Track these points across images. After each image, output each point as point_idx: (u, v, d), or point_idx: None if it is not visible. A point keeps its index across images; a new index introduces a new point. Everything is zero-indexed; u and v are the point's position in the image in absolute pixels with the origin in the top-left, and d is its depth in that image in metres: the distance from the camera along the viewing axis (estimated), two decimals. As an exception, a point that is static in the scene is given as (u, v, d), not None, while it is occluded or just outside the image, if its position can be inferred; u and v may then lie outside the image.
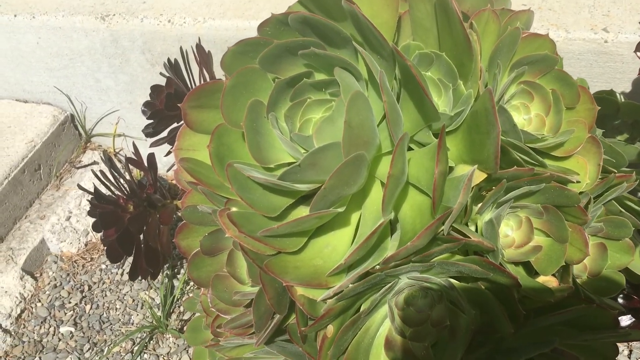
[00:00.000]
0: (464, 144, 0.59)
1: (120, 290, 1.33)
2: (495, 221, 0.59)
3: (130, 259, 1.10)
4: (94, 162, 1.54)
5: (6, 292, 1.28)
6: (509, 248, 0.64)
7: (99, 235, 1.40)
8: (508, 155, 0.58)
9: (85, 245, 1.41)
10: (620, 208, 0.74)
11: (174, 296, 1.29)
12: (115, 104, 1.50)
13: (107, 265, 1.38)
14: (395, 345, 0.61)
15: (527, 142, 0.62)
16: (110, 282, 1.35)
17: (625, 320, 1.00)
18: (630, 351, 1.14)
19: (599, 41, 1.12)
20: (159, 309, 1.27)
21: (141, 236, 1.12)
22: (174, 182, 1.40)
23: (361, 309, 0.59)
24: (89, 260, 1.39)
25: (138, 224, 1.10)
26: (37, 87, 1.55)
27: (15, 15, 1.41)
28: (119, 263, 1.38)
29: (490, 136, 0.54)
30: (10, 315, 1.26)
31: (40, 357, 1.21)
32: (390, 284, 0.58)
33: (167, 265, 1.34)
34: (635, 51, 0.88)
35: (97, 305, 1.31)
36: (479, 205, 0.59)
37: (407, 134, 0.53)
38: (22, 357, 1.21)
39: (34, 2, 1.43)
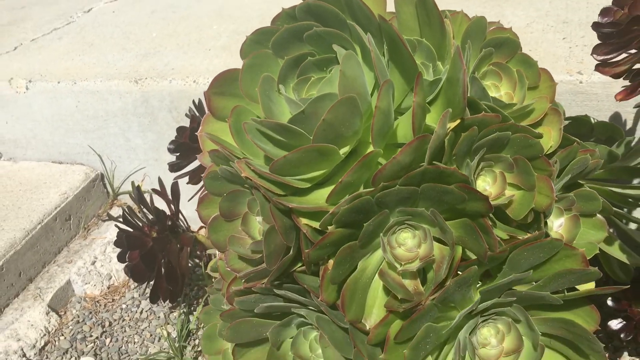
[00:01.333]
0: (442, 105, 0.71)
1: (139, 326, 1.40)
2: (470, 164, 0.69)
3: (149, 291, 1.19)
4: (120, 217, 1.66)
5: (32, 325, 1.35)
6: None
7: (121, 280, 1.50)
8: (477, 107, 0.70)
9: (108, 287, 1.50)
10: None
11: (189, 330, 1.35)
12: (142, 161, 1.65)
13: (127, 305, 1.45)
14: (388, 277, 0.69)
15: (498, 107, 0.74)
16: (130, 320, 1.42)
17: (615, 324, 1.06)
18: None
19: (574, 82, 1.25)
20: (175, 342, 1.33)
21: (162, 262, 1.21)
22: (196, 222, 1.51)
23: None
24: (111, 300, 1.47)
25: (160, 246, 1.20)
26: (72, 149, 1.71)
27: (58, 82, 1.60)
28: (140, 291, 1.46)
29: (459, 82, 0.66)
30: (34, 347, 1.33)
31: (60, 384, 1.27)
32: (381, 217, 0.68)
33: (183, 297, 1.41)
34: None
35: (117, 339, 1.37)
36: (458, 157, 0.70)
37: (391, 80, 0.65)
38: (44, 383, 1.27)
39: (75, 71, 1.63)
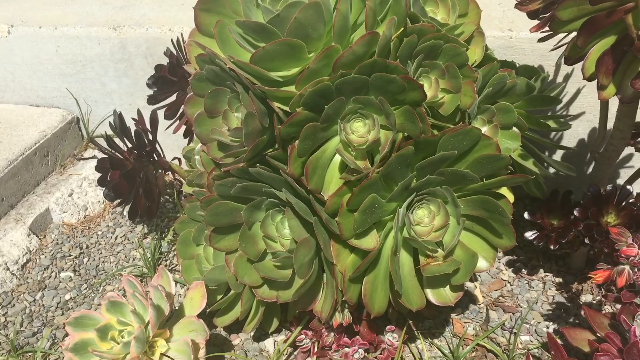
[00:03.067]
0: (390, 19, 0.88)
1: (114, 249, 1.53)
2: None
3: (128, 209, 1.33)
4: (94, 157, 1.78)
5: (15, 244, 1.47)
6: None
7: (96, 211, 1.62)
8: (417, 20, 0.87)
9: (84, 217, 1.62)
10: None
11: (161, 252, 1.49)
12: (117, 106, 1.77)
13: (102, 232, 1.58)
14: (344, 155, 0.86)
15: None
16: (106, 244, 1.55)
17: (530, 234, 1.25)
18: (544, 283, 1.37)
19: (505, 38, 1.44)
20: (149, 260, 1.46)
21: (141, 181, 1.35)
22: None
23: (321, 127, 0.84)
24: (87, 228, 1.59)
25: (139, 167, 1.34)
26: (50, 93, 1.82)
27: (39, 27, 1.71)
28: (115, 221, 1.59)
29: (402, 0, 0.82)
30: (17, 262, 1.45)
31: (43, 294, 1.39)
32: (338, 103, 0.84)
33: (155, 227, 1.55)
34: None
35: (94, 259, 1.50)
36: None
37: (349, -9, 0.82)
38: (27, 292, 1.39)
39: (57, 19, 1.74)
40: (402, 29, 0.85)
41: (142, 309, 1.09)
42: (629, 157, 1.45)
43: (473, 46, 0.94)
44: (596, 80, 0.83)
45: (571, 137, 1.45)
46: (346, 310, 1.03)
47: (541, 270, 1.40)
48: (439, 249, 0.94)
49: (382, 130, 0.87)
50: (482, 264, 0.98)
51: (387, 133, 0.87)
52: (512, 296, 1.34)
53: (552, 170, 1.30)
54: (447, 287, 0.98)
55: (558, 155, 1.49)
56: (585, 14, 0.81)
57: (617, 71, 0.83)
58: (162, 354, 1.10)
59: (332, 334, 1.10)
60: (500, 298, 1.34)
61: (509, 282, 1.38)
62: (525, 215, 1.26)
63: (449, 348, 1.21)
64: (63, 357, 1.14)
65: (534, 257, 1.42)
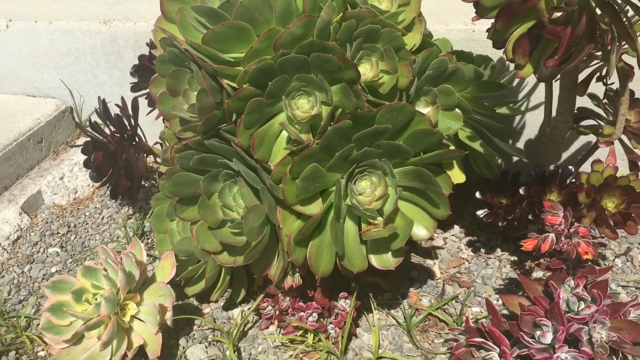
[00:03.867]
0: (330, 6, 0.97)
1: (100, 229, 1.63)
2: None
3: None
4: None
5: (7, 222, 1.58)
6: (365, 81, 1.01)
7: (85, 194, 1.72)
8: (357, 6, 0.96)
9: (74, 199, 1.73)
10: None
11: (144, 231, 1.59)
12: (108, 96, 1.87)
13: (90, 213, 1.68)
14: (288, 128, 0.95)
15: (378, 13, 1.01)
16: (92, 224, 1.65)
17: (481, 212, 1.34)
18: (500, 261, 1.45)
19: (469, 31, 1.53)
20: (130, 238, 1.56)
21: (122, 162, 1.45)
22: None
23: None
24: (76, 209, 1.70)
25: (120, 149, 1.44)
26: (45, 84, 1.93)
27: (35, 22, 1.82)
28: (102, 203, 1.69)
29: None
30: (8, 238, 1.55)
31: (31, 267, 1.49)
32: (282, 80, 0.93)
33: (138, 209, 1.65)
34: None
35: (80, 237, 1.60)
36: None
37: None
38: (16, 265, 1.49)
39: (52, 14, 1.85)
40: (342, 14, 0.94)
41: (114, 274, 1.18)
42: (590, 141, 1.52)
43: (413, 33, 1.03)
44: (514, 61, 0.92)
45: (532, 124, 1.53)
46: (297, 274, 1.12)
47: (498, 250, 1.48)
48: (379, 217, 1.03)
49: (324, 106, 0.96)
50: (422, 232, 1.07)
51: (327, 109, 0.96)
52: (469, 273, 1.42)
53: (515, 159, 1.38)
54: (389, 253, 1.06)
55: (522, 141, 1.57)
56: (504, 0, 0.90)
57: (534, 53, 0.92)
58: (133, 316, 1.20)
59: (288, 298, 1.19)
60: (457, 274, 1.42)
61: (467, 260, 1.46)
62: (477, 194, 1.34)
63: (404, 318, 1.29)
64: (43, 320, 1.23)
65: (493, 238, 1.50)
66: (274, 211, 0.99)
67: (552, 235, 1.05)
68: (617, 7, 0.86)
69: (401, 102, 0.95)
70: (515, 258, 1.44)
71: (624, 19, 0.86)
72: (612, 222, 1.18)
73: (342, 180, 0.98)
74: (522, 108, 1.49)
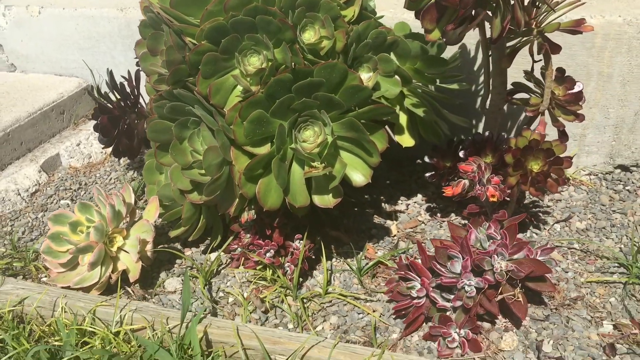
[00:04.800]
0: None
1: (107, 187, 1.86)
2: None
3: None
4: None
5: (27, 177, 1.82)
6: (309, 44, 1.20)
7: (98, 159, 1.96)
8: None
9: (88, 163, 1.96)
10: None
11: (144, 188, 1.80)
12: (123, 74, 2.11)
13: (100, 174, 1.91)
14: (240, 79, 1.15)
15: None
16: (101, 183, 1.88)
17: (427, 174, 1.51)
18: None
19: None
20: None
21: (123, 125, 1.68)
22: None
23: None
24: (89, 171, 1.93)
25: (122, 113, 1.66)
26: (70, 64, 2.18)
27: (63, 8, 2.08)
28: (112, 167, 1.92)
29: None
30: (27, 191, 1.79)
31: (44, 214, 1.73)
32: (233, 38, 1.13)
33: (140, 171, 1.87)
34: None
35: (89, 192, 1.83)
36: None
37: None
38: (31, 212, 1.73)
39: (77, 1, 2.11)
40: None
41: (103, 209, 1.40)
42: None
43: (353, 6, 1.22)
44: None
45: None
46: (252, 210, 1.31)
47: (453, 215, 1.64)
48: (318, 161, 1.21)
49: (270, 62, 1.16)
50: (359, 177, 1.25)
51: (271, 63, 1.15)
52: (423, 232, 1.59)
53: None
54: (330, 194, 1.24)
55: (471, 112, 1.71)
56: (417, -24, 1.08)
57: (442, 20, 1.09)
58: (119, 247, 1.41)
59: (249, 235, 1.38)
60: (412, 233, 1.59)
61: (423, 223, 1.63)
62: (425, 158, 1.51)
63: (358, 265, 1.47)
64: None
65: (450, 205, 1.67)
66: (228, 150, 1.18)
67: (464, 181, 1.21)
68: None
69: (334, 61, 1.14)
70: (466, 222, 1.60)
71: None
72: (535, 181, 1.34)
73: (284, 125, 1.18)
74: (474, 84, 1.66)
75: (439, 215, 1.64)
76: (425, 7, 1.08)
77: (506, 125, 1.70)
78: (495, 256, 1.16)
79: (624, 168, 1.71)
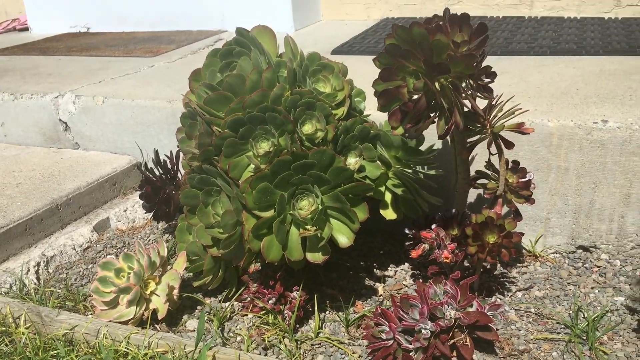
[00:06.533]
0: (281, 85, 1.56)
1: (147, 246, 2.21)
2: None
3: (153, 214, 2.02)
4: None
5: (82, 235, 2.20)
6: (307, 134, 1.56)
7: (141, 224, 2.33)
8: (300, 87, 1.54)
9: (132, 227, 2.34)
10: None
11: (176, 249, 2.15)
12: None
13: (141, 236, 2.28)
14: (252, 161, 1.52)
15: (317, 93, 1.58)
16: (142, 243, 2.24)
17: (407, 243, 1.82)
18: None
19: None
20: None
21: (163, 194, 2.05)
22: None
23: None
24: (132, 233, 2.30)
25: (162, 185, 2.05)
26: (124, 145, 2.61)
27: (122, 99, 2.53)
28: (152, 230, 2.28)
29: (290, 72, 1.50)
30: (81, 246, 2.16)
31: (93, 265, 2.09)
32: (249, 128, 1.51)
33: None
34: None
35: (132, 250, 2.19)
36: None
37: (261, 68, 1.51)
38: (83, 263, 2.09)
39: (134, 94, 2.55)
40: (290, 91, 1.51)
41: (142, 260, 1.74)
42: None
43: (343, 107, 1.59)
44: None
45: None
46: (258, 263, 1.64)
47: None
48: (311, 225, 1.54)
49: (275, 147, 1.52)
50: (344, 240, 1.57)
51: (276, 148, 1.51)
52: (406, 294, 1.88)
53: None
54: (320, 252, 1.56)
55: (444, 193, 2.03)
56: (383, 88, 1.44)
57: (404, 120, 1.44)
58: (152, 292, 1.74)
59: (256, 285, 1.70)
60: (396, 294, 1.88)
61: (407, 286, 1.92)
62: (406, 230, 1.83)
63: (345, 316, 1.76)
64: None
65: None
66: (240, 213, 1.53)
67: (425, 245, 1.52)
68: (446, 92, 1.38)
69: (324, 147, 1.50)
70: (443, 286, 1.88)
71: (453, 98, 1.37)
72: (491, 251, 1.63)
73: (285, 195, 1.52)
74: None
75: (420, 280, 1.93)
76: (392, 110, 1.43)
77: (478, 204, 2.01)
78: (446, 305, 1.45)
79: (584, 248, 1.98)
